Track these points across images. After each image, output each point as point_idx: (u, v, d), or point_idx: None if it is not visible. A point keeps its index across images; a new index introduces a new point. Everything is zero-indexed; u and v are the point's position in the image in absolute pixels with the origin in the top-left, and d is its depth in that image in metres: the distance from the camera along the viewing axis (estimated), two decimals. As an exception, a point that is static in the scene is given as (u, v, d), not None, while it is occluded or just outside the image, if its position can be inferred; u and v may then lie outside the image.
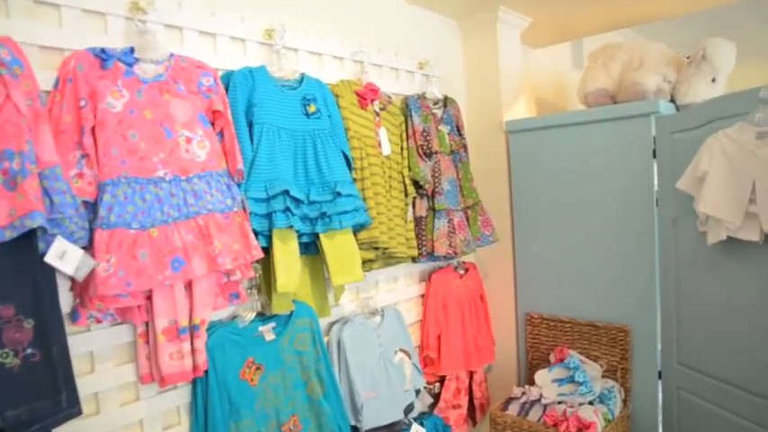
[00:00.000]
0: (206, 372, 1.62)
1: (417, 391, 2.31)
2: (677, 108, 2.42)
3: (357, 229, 1.98)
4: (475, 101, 2.81)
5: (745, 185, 1.79)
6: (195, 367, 1.56)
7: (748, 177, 1.78)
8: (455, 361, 2.45)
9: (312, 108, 1.89)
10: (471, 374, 2.58)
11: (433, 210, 2.35)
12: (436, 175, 2.36)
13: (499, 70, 2.73)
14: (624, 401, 2.41)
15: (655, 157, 2.29)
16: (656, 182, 2.29)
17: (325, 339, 2.05)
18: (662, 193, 2.27)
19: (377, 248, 2.08)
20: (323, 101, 1.94)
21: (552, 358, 2.61)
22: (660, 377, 2.38)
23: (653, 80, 2.37)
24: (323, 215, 1.82)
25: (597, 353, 2.53)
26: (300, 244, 1.85)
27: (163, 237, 1.47)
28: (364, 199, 2.01)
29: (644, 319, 2.39)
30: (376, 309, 2.23)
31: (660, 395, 2.38)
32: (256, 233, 1.69)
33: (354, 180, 2.01)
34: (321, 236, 1.83)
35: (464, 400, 2.52)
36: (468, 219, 2.48)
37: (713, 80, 2.33)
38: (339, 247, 1.86)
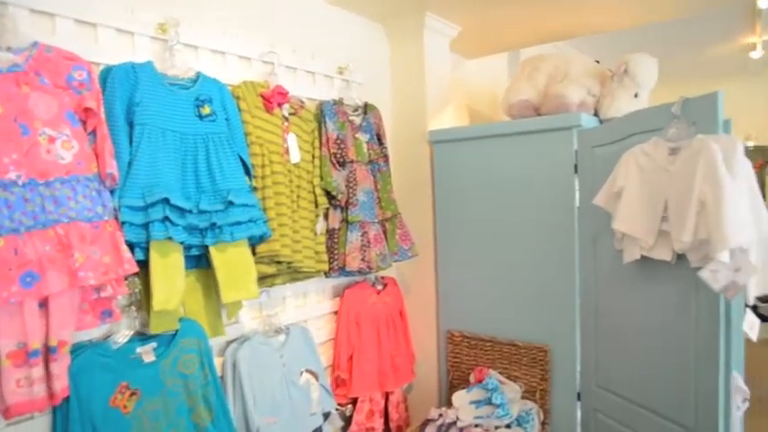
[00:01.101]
0: (67, 399, 1.44)
1: (327, 415, 2.17)
2: (601, 122, 2.37)
3: (255, 242, 1.83)
4: (400, 109, 2.71)
5: (658, 203, 1.72)
6: (51, 395, 1.38)
7: (661, 194, 1.72)
8: (368, 382, 2.32)
9: (206, 110, 1.74)
10: (387, 395, 2.46)
11: (346, 222, 2.22)
12: (351, 185, 2.23)
13: (425, 78, 2.63)
14: (543, 424, 2.33)
15: (576, 171, 2.22)
16: (577, 197, 2.22)
17: (220, 360, 1.89)
18: (583, 209, 2.20)
19: (279, 262, 1.93)
20: (220, 102, 1.79)
21: (472, 378, 2.51)
22: (579, 398, 2.31)
23: (576, 93, 2.31)
24: (213, 226, 1.67)
25: (517, 373, 2.44)
26: (191, 257, 1.71)
27: (11, 248, 1.29)
28: (264, 209, 1.86)
29: (564, 339, 2.31)
30: (280, 327, 2.08)
31: (579, 417, 2.31)
32: (132, 245, 1.52)
33: (254, 189, 1.86)
34: (211, 248, 1.67)
35: (379, 423, 2.39)
36: (385, 232, 2.36)
37: (636, 95, 2.29)
38: (231, 261, 1.71)
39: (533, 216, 2.35)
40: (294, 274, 2.05)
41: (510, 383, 2.41)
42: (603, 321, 2.16)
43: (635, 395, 2.01)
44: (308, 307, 2.27)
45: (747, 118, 5.57)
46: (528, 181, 2.36)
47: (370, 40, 2.67)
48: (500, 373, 2.47)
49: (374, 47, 2.68)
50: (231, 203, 1.68)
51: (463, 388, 2.47)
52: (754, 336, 1.64)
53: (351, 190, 2.23)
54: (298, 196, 2.06)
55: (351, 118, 2.32)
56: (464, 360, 2.60)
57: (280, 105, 2.01)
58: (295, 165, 2.05)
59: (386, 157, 2.45)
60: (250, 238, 1.78)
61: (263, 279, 1.93)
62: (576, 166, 2.21)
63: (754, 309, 4.69)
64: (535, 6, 2.60)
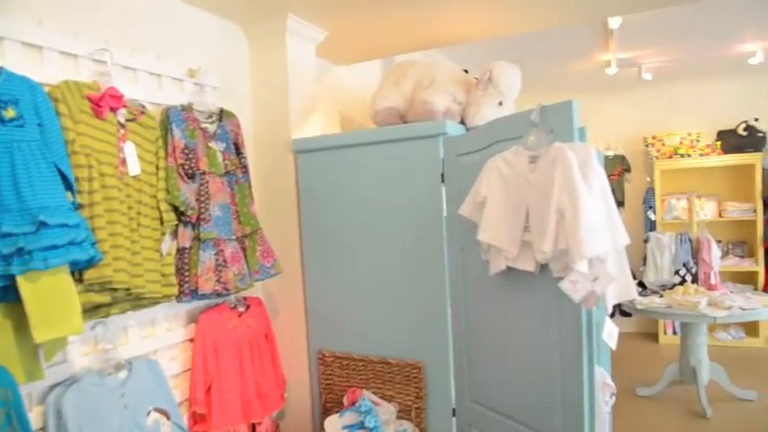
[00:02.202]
0: None
1: (181, 457, 1.93)
2: (468, 130, 2.34)
3: (82, 267, 1.57)
4: (261, 116, 2.52)
5: (520, 212, 1.69)
6: None
7: (522, 204, 1.68)
8: (230, 414, 2.11)
9: (10, 113, 1.46)
10: (255, 427, 2.25)
11: (198, 240, 2.00)
12: (203, 199, 2.02)
13: (288, 84, 2.47)
14: (418, 444, 2.24)
15: (443, 180, 2.16)
16: (445, 207, 2.16)
17: (40, 409, 1.60)
18: (450, 219, 2.14)
19: (115, 289, 1.68)
20: (31, 105, 1.52)
21: (345, 401, 2.37)
22: (454, 414, 2.24)
23: (442, 100, 2.26)
24: (20, 251, 1.40)
25: (392, 392, 2.33)
26: (-4, 289, 1.42)
27: None
28: (93, 229, 1.61)
29: (437, 354, 2.24)
30: (121, 362, 1.82)
31: (455, 434, 2.24)
32: None
33: (79, 206, 1.60)
34: (18, 278, 1.40)
35: (245, 458, 2.18)
36: (244, 249, 2.17)
37: (500, 103, 2.27)
38: (45, 292, 1.44)
39: (402, 227, 2.27)
40: (137, 301, 1.80)
41: (384, 404, 2.30)
42: (474, 334, 2.11)
43: (505, 407, 1.97)
44: (158, 337, 2.02)
45: (608, 129, 5.98)
46: (396, 191, 2.27)
47: (229, 42, 2.47)
48: (374, 393, 2.35)
49: (233, 49, 2.49)
50: (44, 224, 1.42)
51: (337, 411, 2.33)
52: (613, 344, 1.64)
53: (203, 204, 2.01)
54: (138, 213, 1.81)
55: (203, 125, 2.10)
56: (336, 381, 2.46)
57: (113, 110, 1.76)
58: (135, 177, 1.81)
59: (245, 167, 2.25)
60: (73, 264, 1.52)
61: (94, 309, 1.67)
62: (442, 175, 2.16)
63: (618, 306, 4.99)
64: (400, 15, 2.54)
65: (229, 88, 2.39)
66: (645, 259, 5.26)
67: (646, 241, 5.25)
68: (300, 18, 2.48)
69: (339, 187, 2.38)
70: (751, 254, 5.48)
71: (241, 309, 2.25)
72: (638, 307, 4.10)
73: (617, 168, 5.91)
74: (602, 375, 2.20)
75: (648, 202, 5.68)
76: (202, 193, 2.02)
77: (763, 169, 5.29)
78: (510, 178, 1.72)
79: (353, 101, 3.37)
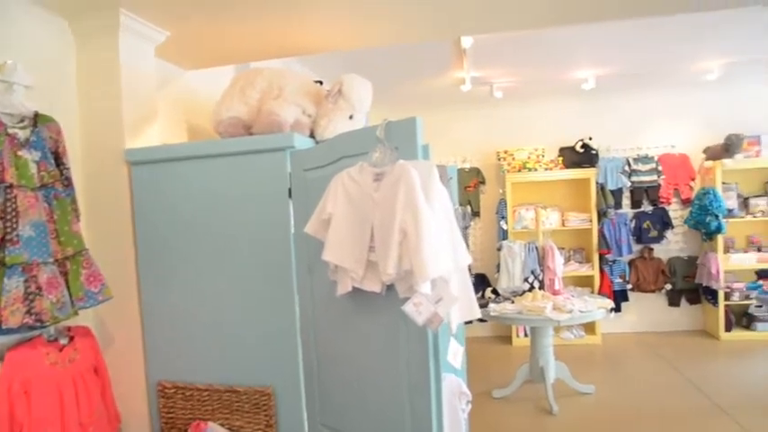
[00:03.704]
0: None
1: None
2: (318, 144, 2.26)
3: None
4: (90, 122, 2.26)
5: (365, 232, 1.63)
6: None
7: (368, 223, 1.63)
8: (46, 465, 1.83)
9: None
10: (79, 474, 1.98)
11: (3, 265, 1.72)
12: (10, 216, 1.74)
13: (122, 87, 2.23)
14: (268, 476, 2.10)
15: (291, 196, 2.06)
16: (292, 224, 2.06)
17: None
18: (298, 237, 2.04)
19: None
20: None
21: (188, 436, 2.17)
22: (307, 440, 2.14)
23: (291, 112, 2.17)
24: None
25: (240, 422, 2.18)
26: None
27: None
28: None
29: (287, 379, 2.12)
30: None
31: (307, 461, 2.14)
32: None
33: None
34: None
35: None
36: (66, 273, 1.91)
37: (351, 117, 2.23)
38: None
39: (248, 246, 2.13)
40: None
41: (231, 435, 2.14)
42: (325, 355, 2.03)
43: (356, 429, 1.91)
44: (-51, 381, 1.71)
45: (465, 143, 6.26)
46: (241, 207, 2.13)
47: (52, 38, 2.18)
48: (221, 424, 2.18)
49: (56, 46, 2.20)
50: None
51: (178, 448, 2.13)
52: (457, 364, 1.64)
53: (9, 223, 1.74)
54: None
55: (11, 130, 1.82)
56: (179, 414, 2.25)
57: None
58: None
59: (67, 180, 1.99)
60: None
61: None
62: (290, 191, 2.06)
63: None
64: (251, 20, 2.41)
65: (50, 89, 2.12)
66: (498, 267, 5.53)
67: (499, 249, 5.52)
68: (135, 14, 2.26)
69: (178, 203, 2.19)
70: (588, 260, 5.99)
71: (63, 341, 1.97)
72: (492, 314, 4.28)
73: (473, 180, 6.19)
74: (459, 384, 2.23)
75: (501, 212, 6.00)
76: (9, 209, 1.74)
77: (597, 183, 5.82)
78: (355, 196, 1.67)
79: (204, 109, 3.16)
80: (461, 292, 1.58)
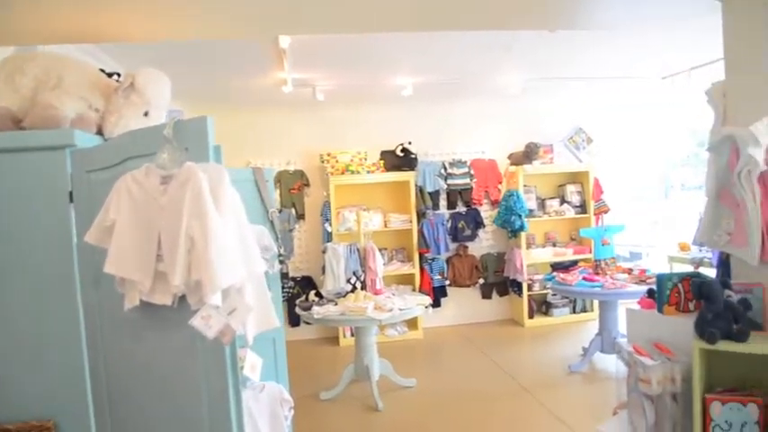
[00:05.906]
0: None
1: None
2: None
3: None
4: None
5: (152, 240, 1.49)
6: None
7: (154, 230, 1.48)
8: None
9: None
10: None
11: None
12: None
13: None
14: None
15: (72, 200, 1.82)
16: (75, 232, 1.82)
17: None
18: (82, 246, 1.80)
19: None
20: None
21: (-59, 488, 1.82)
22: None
23: (73, 105, 1.92)
24: None
25: (12, 463, 1.87)
26: None
27: None
28: None
29: (73, 408, 1.86)
30: None
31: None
32: None
33: None
34: None
35: None
36: None
37: (146, 114, 2.03)
38: None
39: (23, 258, 1.83)
40: None
41: (-1, 480, 1.83)
42: (117, 378, 1.82)
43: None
44: None
45: (289, 145, 6.20)
46: (14, 212, 1.83)
47: None
48: (-12, 468, 1.86)
49: None
50: None
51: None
52: (256, 377, 1.56)
53: None
54: None
55: None
56: (-69, 463, 1.88)
57: None
58: None
59: None
60: None
61: None
62: (71, 194, 1.81)
63: (298, 316, 5.03)
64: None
65: None
66: (324, 269, 5.53)
67: (324, 252, 5.53)
68: None
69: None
70: (409, 258, 6.26)
71: None
72: (316, 316, 4.27)
73: (297, 183, 6.13)
74: (280, 391, 2.16)
75: (326, 214, 6.02)
76: None
77: (416, 185, 6.11)
78: (140, 201, 1.51)
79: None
80: (257, 300, 1.50)
